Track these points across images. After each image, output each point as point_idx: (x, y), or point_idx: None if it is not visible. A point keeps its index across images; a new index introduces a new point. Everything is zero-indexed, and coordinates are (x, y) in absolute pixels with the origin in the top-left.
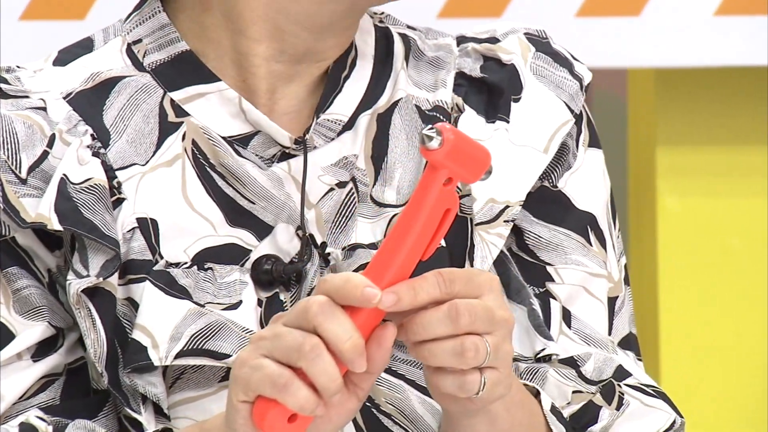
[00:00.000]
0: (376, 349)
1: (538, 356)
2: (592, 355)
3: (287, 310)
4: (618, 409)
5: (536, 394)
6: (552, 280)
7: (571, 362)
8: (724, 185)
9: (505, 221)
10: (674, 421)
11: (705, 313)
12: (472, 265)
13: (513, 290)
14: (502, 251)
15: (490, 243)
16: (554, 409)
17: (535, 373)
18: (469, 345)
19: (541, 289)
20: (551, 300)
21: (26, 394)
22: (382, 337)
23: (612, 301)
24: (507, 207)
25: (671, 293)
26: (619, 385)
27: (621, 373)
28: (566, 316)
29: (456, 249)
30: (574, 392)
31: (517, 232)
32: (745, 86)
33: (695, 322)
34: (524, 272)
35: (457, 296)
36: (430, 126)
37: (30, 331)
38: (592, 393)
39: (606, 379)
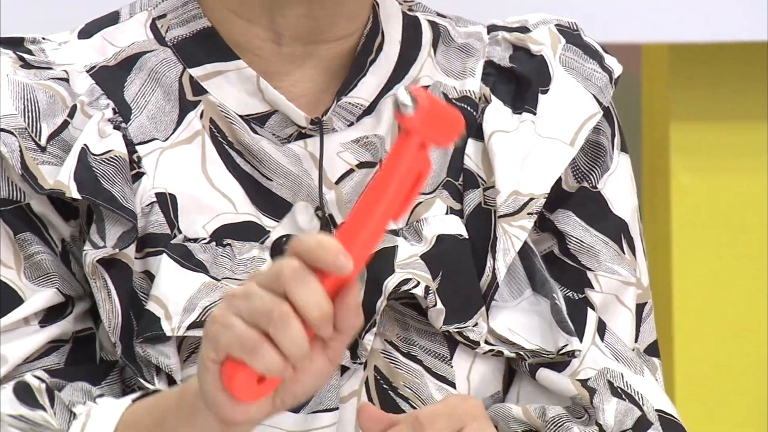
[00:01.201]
0: (342, 310)
1: (561, 352)
2: (613, 404)
3: None
4: None
5: None
6: (591, 286)
7: (588, 408)
8: (739, 161)
9: (528, 213)
10: None
11: (719, 290)
12: (494, 258)
13: (537, 283)
14: (525, 243)
15: (512, 236)
16: None
17: (560, 426)
18: None
19: (580, 295)
20: (589, 309)
21: (30, 357)
22: (348, 297)
23: (640, 308)
24: (531, 199)
25: (685, 270)
26: None
27: (642, 425)
28: (601, 327)
29: (479, 241)
30: None
31: (559, 236)
32: (760, 62)
33: (709, 299)
34: (565, 276)
35: (455, 427)
36: (404, 91)
37: (39, 296)
38: None
39: (626, 431)
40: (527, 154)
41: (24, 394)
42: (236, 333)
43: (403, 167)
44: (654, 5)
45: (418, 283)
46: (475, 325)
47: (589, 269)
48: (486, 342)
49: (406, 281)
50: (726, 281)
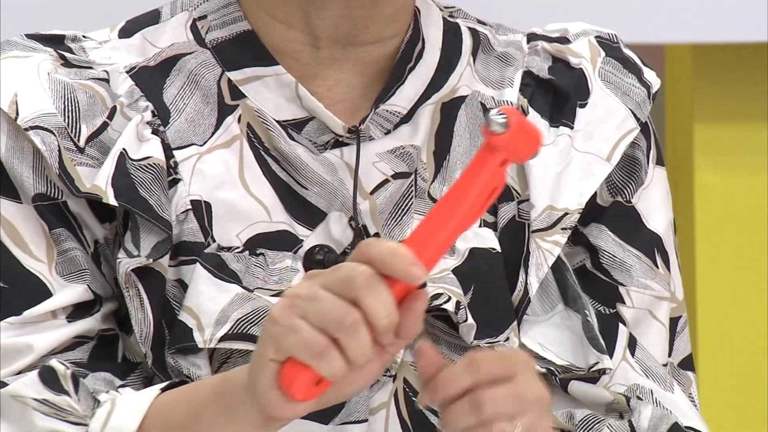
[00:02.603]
0: (407, 316)
1: (592, 369)
2: (649, 409)
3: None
4: None
5: None
6: (623, 301)
7: (625, 411)
8: (762, 161)
9: (562, 229)
10: None
11: (743, 290)
12: (526, 273)
13: (570, 298)
14: (559, 257)
15: (546, 251)
16: None
17: (590, 428)
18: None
19: (611, 310)
20: (620, 324)
21: (56, 349)
22: (414, 304)
23: (675, 321)
24: (566, 214)
25: (709, 270)
26: None
27: (677, 431)
28: (631, 343)
29: (512, 255)
30: None
31: (592, 250)
32: None
33: (733, 299)
34: (597, 291)
35: (496, 376)
36: (497, 109)
37: (69, 291)
38: None
39: None
40: (563, 168)
41: (49, 378)
42: (304, 336)
43: (483, 182)
44: (677, 5)
45: (450, 298)
46: (506, 339)
47: (622, 284)
48: None
49: (437, 296)
50: (750, 280)
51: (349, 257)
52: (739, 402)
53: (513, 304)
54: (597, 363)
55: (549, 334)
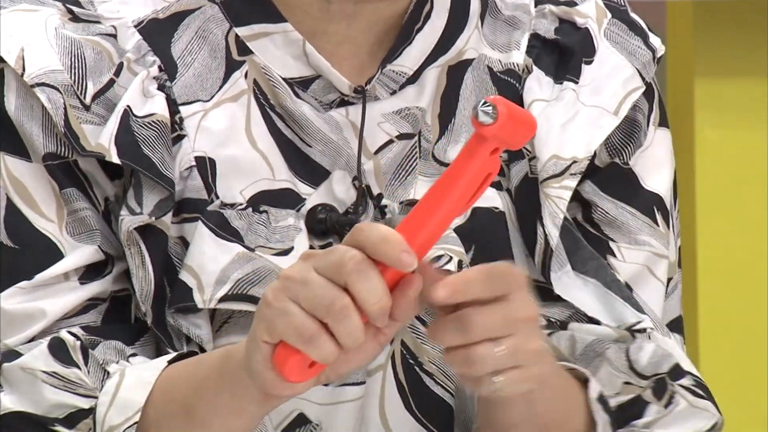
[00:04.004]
0: (401, 299)
1: (633, 329)
2: (652, 347)
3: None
4: (666, 407)
5: (585, 380)
6: (613, 255)
7: (626, 352)
8: (763, 117)
9: (571, 174)
10: (715, 423)
11: (743, 244)
12: (543, 227)
13: (579, 260)
14: (568, 220)
15: (555, 197)
16: (601, 398)
17: (594, 357)
18: (476, 356)
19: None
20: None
21: (69, 313)
22: (408, 287)
23: (666, 282)
24: (574, 162)
25: (709, 224)
26: (672, 384)
27: (678, 371)
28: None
29: (529, 212)
30: (624, 383)
31: (585, 205)
32: None
33: (733, 253)
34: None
35: (496, 293)
36: (484, 101)
37: (80, 252)
38: (642, 387)
39: (661, 374)
40: (568, 120)
41: (58, 350)
42: (294, 321)
43: (474, 170)
44: None
45: (451, 258)
46: None
47: (612, 239)
48: None
49: (439, 258)
50: (749, 235)
51: (344, 240)
52: (740, 355)
53: (536, 259)
54: (638, 322)
55: (571, 292)
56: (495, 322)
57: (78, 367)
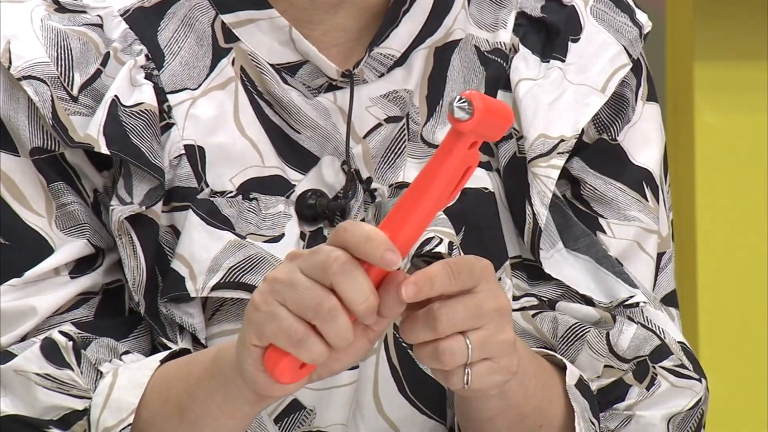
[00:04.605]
0: (387, 296)
1: (626, 303)
2: (633, 329)
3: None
4: (648, 389)
5: (564, 367)
6: (603, 231)
7: (606, 336)
8: (763, 101)
9: (558, 153)
10: (699, 399)
11: (742, 228)
12: (531, 206)
13: (570, 237)
14: (558, 197)
15: (543, 177)
16: (581, 383)
17: (574, 341)
18: (444, 349)
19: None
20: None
21: (61, 309)
22: (393, 283)
23: (659, 257)
24: (561, 141)
25: (709, 209)
26: (654, 366)
27: (660, 353)
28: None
29: (518, 192)
30: (605, 367)
31: (574, 182)
32: None
33: (732, 237)
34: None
35: (462, 286)
36: (459, 97)
37: (69, 247)
38: (623, 371)
39: (642, 357)
40: (555, 98)
41: (51, 352)
42: (283, 325)
43: (455, 165)
44: None
45: (441, 240)
46: (499, 280)
47: (601, 216)
48: (514, 298)
49: (429, 240)
50: (748, 219)
51: (328, 240)
52: (740, 334)
53: (525, 238)
54: (631, 297)
55: (563, 270)
56: (462, 315)
57: (71, 368)
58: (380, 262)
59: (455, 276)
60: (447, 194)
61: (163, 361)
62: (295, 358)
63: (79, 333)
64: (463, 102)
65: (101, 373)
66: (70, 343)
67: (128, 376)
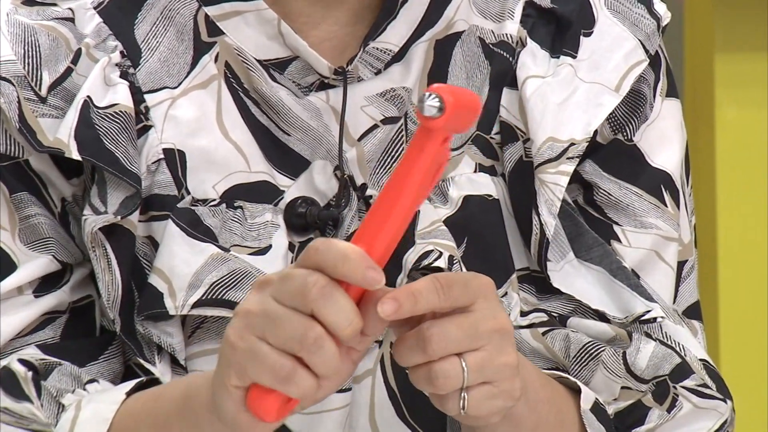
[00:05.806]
0: (369, 315)
1: (643, 319)
2: (651, 347)
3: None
4: (669, 411)
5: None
6: (618, 239)
7: (622, 356)
8: None
9: (568, 158)
10: (725, 421)
11: (763, 222)
12: (538, 216)
13: (583, 246)
14: (569, 203)
15: (551, 184)
16: (596, 407)
17: (588, 360)
18: (437, 372)
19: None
20: None
21: (24, 330)
22: (372, 300)
23: (680, 265)
24: (572, 145)
25: (729, 203)
26: (674, 386)
27: (681, 372)
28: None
29: (523, 198)
30: (622, 388)
31: (586, 187)
32: None
33: (754, 231)
34: (589, 227)
35: (455, 303)
36: (429, 93)
37: (33, 264)
38: (642, 392)
39: (662, 376)
40: (565, 98)
41: (9, 384)
42: (266, 362)
43: (427, 164)
44: None
45: (441, 254)
46: (504, 294)
47: (616, 223)
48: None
49: (427, 254)
50: None
51: (298, 262)
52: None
53: (532, 250)
54: (648, 312)
55: (574, 283)
56: (455, 335)
57: (30, 401)
58: (362, 283)
59: (444, 292)
60: (421, 196)
61: (129, 393)
62: (281, 394)
63: (42, 359)
64: (434, 98)
65: (63, 405)
66: (30, 373)
67: (92, 409)
